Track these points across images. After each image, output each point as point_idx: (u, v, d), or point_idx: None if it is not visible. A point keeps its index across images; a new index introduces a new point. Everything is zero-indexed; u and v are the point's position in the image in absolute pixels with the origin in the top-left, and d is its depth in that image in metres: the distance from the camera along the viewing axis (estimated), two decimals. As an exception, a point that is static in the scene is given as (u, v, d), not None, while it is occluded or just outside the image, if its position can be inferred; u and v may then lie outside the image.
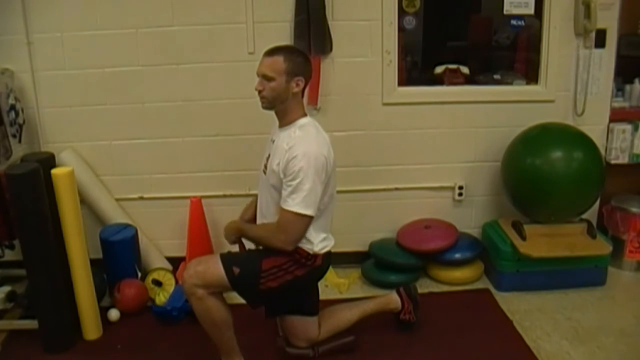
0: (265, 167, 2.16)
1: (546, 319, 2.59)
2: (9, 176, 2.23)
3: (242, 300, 2.12)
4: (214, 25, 2.80)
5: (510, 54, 3.35)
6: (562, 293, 2.81)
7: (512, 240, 2.82)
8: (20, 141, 2.78)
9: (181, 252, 2.99)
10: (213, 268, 2.03)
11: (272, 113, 2.14)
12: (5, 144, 2.67)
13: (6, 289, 2.53)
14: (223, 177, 3.01)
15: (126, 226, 2.88)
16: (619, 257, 3.03)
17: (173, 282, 2.81)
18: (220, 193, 3.00)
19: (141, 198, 3.03)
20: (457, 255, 2.92)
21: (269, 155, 2.15)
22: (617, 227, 3.04)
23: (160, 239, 3.09)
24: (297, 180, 1.97)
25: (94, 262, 2.52)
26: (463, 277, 2.94)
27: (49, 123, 2.90)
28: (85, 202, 2.87)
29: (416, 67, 3.45)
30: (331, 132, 2.27)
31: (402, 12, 2.91)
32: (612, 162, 3.06)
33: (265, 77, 2.04)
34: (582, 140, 2.82)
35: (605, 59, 2.96)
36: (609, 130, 3.05)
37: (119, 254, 2.78)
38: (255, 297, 2.11)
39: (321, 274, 2.24)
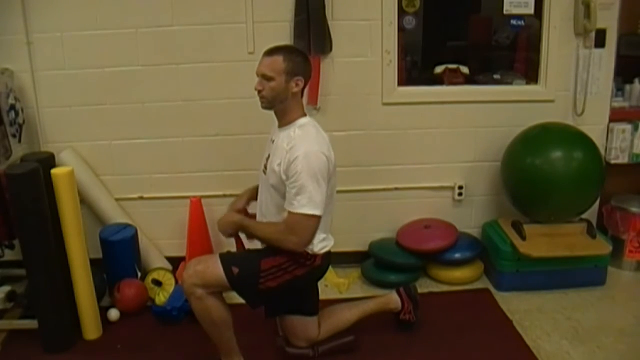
0: (265, 167, 2.16)
1: (546, 319, 2.59)
2: (9, 176, 2.23)
3: (242, 300, 2.12)
4: (214, 25, 2.80)
5: (510, 54, 3.35)
6: (562, 293, 2.81)
7: (512, 240, 2.82)
8: (20, 141, 2.78)
9: (181, 252, 3.00)
10: (212, 268, 2.03)
11: (272, 113, 2.14)
12: (5, 144, 2.67)
13: (6, 289, 2.53)
14: (223, 177, 3.01)
15: (126, 226, 2.88)
16: (619, 257, 3.03)
17: (173, 282, 2.81)
18: (220, 193, 2.99)
19: (141, 198, 3.03)
20: (457, 255, 2.92)
21: (269, 156, 2.15)
22: (617, 227, 3.04)
23: (160, 239, 3.09)
24: (301, 182, 1.96)
25: (94, 262, 2.52)
26: (463, 277, 2.94)
27: (49, 123, 2.90)
28: (85, 202, 2.87)
29: (416, 67, 3.45)
30: (331, 132, 2.27)
31: (402, 12, 2.91)
32: (612, 162, 3.06)
33: (265, 77, 2.04)
34: (582, 140, 2.82)
35: (605, 59, 2.96)
36: (609, 130, 3.05)
37: (119, 254, 2.78)
38: (255, 297, 2.11)
39: (321, 274, 2.24)
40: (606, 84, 3.00)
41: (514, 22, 3.02)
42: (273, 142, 2.16)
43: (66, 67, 2.83)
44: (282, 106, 2.09)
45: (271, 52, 2.06)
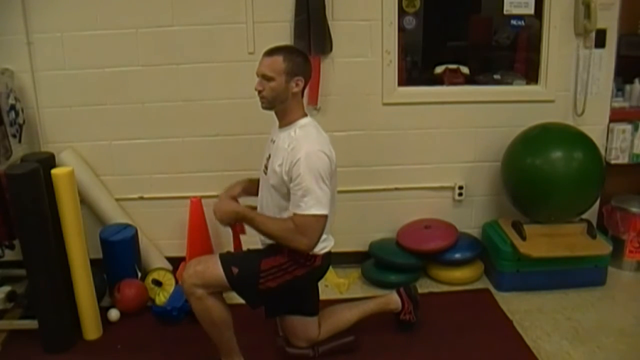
0: (266, 167, 2.16)
1: (546, 319, 2.59)
2: (9, 176, 2.23)
3: (242, 300, 2.12)
4: (214, 25, 2.80)
5: (510, 54, 3.35)
6: (562, 293, 2.81)
7: (512, 240, 2.82)
8: (20, 141, 2.78)
9: (181, 252, 2.99)
10: (212, 268, 2.03)
11: (272, 113, 2.14)
12: (5, 144, 2.67)
13: (6, 289, 2.53)
14: (223, 177, 2.98)
15: (126, 226, 2.88)
16: (619, 257, 3.03)
17: (173, 282, 2.81)
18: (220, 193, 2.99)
19: (141, 198, 3.03)
20: (457, 255, 2.92)
21: (270, 156, 2.14)
22: (617, 227, 3.04)
23: (160, 239, 3.09)
24: (305, 183, 1.96)
25: (94, 262, 2.52)
26: (463, 277, 2.94)
27: (49, 123, 2.90)
28: (85, 202, 2.87)
29: (416, 67, 3.45)
30: (331, 132, 2.26)
31: (402, 12, 2.91)
32: (612, 162, 3.06)
33: (265, 77, 2.03)
34: (582, 140, 2.82)
35: (605, 59, 2.96)
36: (609, 130, 3.05)
37: (119, 254, 2.78)
38: (255, 297, 2.11)
39: (321, 274, 2.24)
40: (606, 84, 3.00)
41: (514, 22, 3.02)
42: (273, 142, 2.16)
43: (66, 67, 2.83)
44: (282, 106, 2.08)
45: (271, 52, 2.06)
